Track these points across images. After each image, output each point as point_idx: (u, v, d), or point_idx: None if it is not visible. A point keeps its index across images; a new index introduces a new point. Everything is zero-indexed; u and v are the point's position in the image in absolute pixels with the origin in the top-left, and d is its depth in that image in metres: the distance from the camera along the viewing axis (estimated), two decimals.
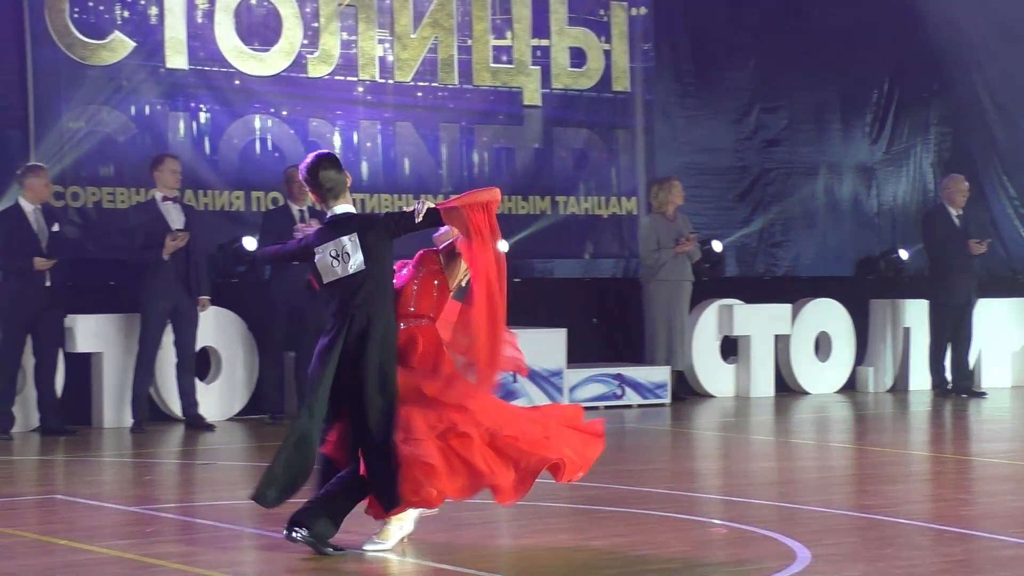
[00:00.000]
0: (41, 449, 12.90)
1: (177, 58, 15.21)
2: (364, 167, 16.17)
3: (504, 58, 16.91)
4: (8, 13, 14.52)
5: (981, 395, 16.94)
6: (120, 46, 14.95)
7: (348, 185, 8.35)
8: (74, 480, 11.37)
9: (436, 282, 8.43)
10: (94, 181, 14.82)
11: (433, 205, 8.14)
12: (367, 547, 8.13)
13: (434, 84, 16.53)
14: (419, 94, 16.45)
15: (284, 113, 15.79)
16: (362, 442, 8.11)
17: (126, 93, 14.98)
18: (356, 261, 8.11)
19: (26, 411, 13.70)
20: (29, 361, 13.58)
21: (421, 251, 8.53)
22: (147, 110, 15.13)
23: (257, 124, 15.67)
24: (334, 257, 8.14)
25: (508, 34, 16.93)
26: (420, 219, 8.09)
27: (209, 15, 15.37)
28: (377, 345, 8.11)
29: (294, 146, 15.76)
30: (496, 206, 8.25)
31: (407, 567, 7.86)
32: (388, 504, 8.06)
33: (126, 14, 14.98)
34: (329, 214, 8.33)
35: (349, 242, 8.12)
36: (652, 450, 13.46)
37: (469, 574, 7.59)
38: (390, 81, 16.32)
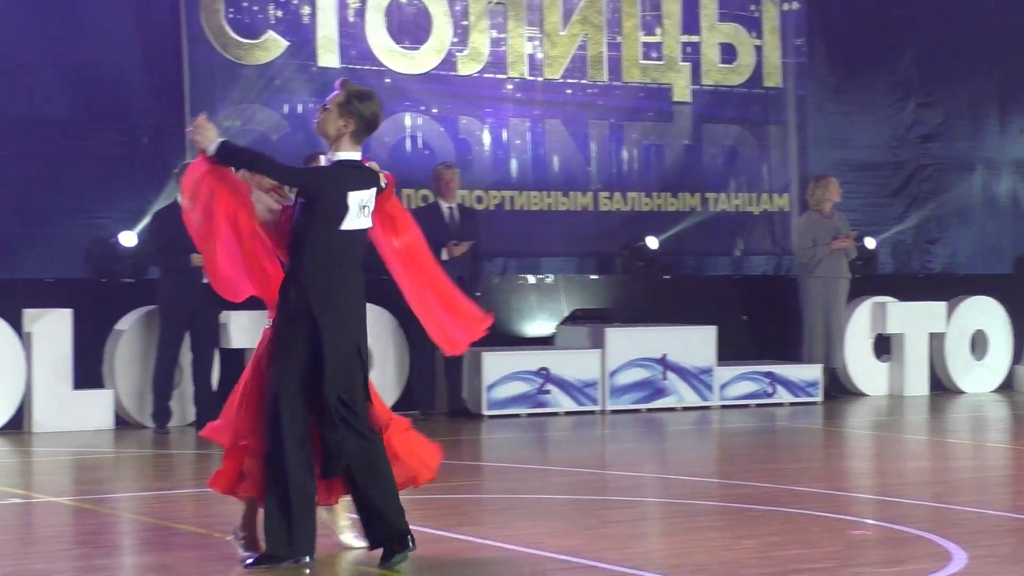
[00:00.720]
0: (198, 443, 13.07)
1: (329, 57, 15.37)
2: (513, 164, 16.23)
3: (654, 55, 16.87)
4: (166, 15, 14.77)
5: None
6: (273, 45, 15.15)
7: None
8: None
9: None
10: None
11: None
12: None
13: (583, 81, 16.54)
14: (568, 91, 16.47)
15: (434, 111, 15.90)
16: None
17: (279, 91, 15.17)
18: (370, 216, 7.70)
19: (183, 406, 13.92)
20: (186, 357, 13.78)
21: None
22: (299, 108, 15.30)
23: (407, 122, 15.79)
24: (362, 207, 7.60)
25: (658, 30, 16.90)
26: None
27: (360, 14, 15.52)
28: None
29: (444, 144, 15.87)
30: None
31: (557, 564, 7.87)
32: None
33: (279, 14, 15.16)
34: (346, 156, 7.61)
35: (371, 198, 7.65)
36: (804, 449, 13.36)
37: (620, 572, 7.59)
38: (539, 78, 16.35)
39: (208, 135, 7.59)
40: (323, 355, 7.55)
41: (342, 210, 7.51)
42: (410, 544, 7.62)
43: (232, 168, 7.70)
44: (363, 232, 7.70)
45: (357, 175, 7.58)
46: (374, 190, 7.63)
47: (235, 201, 7.72)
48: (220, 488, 7.82)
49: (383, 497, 7.59)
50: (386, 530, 7.58)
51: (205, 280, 13.41)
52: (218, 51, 14.91)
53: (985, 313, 17.14)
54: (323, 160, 7.84)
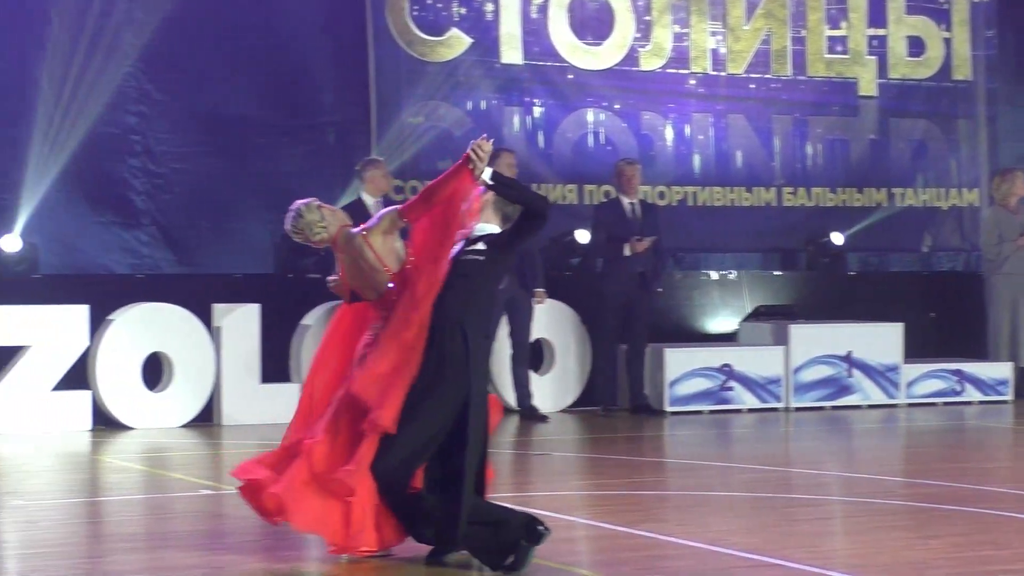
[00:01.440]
0: None
1: (512, 53, 15.44)
2: (696, 159, 16.18)
3: (839, 48, 16.71)
4: (351, 14, 14.95)
5: None
6: (457, 43, 15.25)
7: None
8: None
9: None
10: (432, 174, 14.86)
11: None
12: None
13: (767, 76, 16.44)
14: (752, 86, 16.38)
15: (616, 107, 15.89)
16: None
17: (463, 88, 15.28)
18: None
19: None
20: None
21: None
22: (483, 105, 15.40)
23: (590, 118, 15.81)
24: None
25: (843, 24, 16.73)
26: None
27: (543, 10, 15.56)
28: None
29: (626, 139, 15.86)
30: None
31: (740, 562, 7.82)
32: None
33: (463, 11, 15.26)
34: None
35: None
36: (993, 448, 13.13)
37: (804, 571, 7.52)
38: (722, 73, 16.28)
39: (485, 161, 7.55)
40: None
41: None
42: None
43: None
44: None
45: None
46: None
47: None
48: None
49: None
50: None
51: None
52: (403, 48, 15.05)
53: None
54: None
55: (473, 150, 7.41)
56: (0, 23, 14.07)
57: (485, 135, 7.62)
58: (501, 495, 10.06)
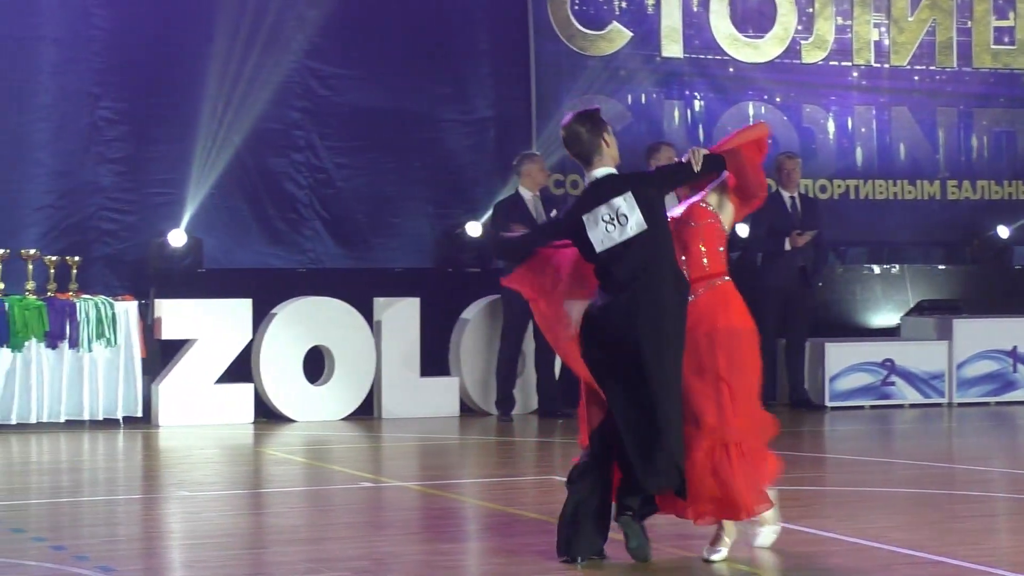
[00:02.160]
0: (539, 431, 13.23)
1: (673, 47, 15.38)
2: (859, 152, 16.01)
3: (1006, 39, 16.44)
4: (513, 8, 14.98)
5: None
6: (618, 36, 15.23)
7: (607, 147, 7.48)
8: (570, 462, 11.56)
9: (718, 234, 7.64)
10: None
11: (706, 151, 7.52)
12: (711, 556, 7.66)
13: (931, 67, 16.21)
14: (916, 78, 16.17)
15: (777, 100, 15.77)
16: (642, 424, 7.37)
17: (623, 82, 15.25)
18: (635, 221, 7.31)
19: (526, 394, 14.08)
20: (530, 346, 13.93)
21: (687, 205, 7.72)
22: (643, 98, 15.36)
23: (751, 111, 15.70)
24: (608, 221, 7.33)
25: (1011, 14, 16.46)
26: (699, 167, 7.46)
27: (705, 4, 15.49)
28: (671, 312, 7.34)
29: (788, 133, 15.74)
30: (767, 142, 7.68)
31: (903, 558, 7.71)
32: (655, 487, 7.36)
33: (624, 5, 15.23)
34: (588, 179, 7.53)
35: (624, 202, 7.33)
36: None
37: (968, 568, 7.40)
38: (886, 65, 16.09)
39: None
40: None
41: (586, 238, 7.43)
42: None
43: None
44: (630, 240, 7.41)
45: (598, 191, 7.42)
46: (628, 193, 7.38)
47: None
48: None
49: None
50: None
51: None
52: (563, 42, 15.06)
53: None
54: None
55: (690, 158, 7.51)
56: (166, 22, 14.29)
57: (694, 148, 7.62)
58: None
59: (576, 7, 15.10)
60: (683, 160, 7.60)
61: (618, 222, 7.31)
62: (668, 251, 7.39)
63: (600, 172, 7.46)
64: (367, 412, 13.85)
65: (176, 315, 13.36)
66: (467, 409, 14.07)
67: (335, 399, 13.76)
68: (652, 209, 7.34)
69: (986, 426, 13.82)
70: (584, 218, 7.37)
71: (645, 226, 7.31)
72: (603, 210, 7.33)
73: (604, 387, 7.45)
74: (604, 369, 7.44)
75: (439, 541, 8.27)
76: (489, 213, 14.38)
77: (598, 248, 7.34)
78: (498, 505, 9.34)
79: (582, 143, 7.47)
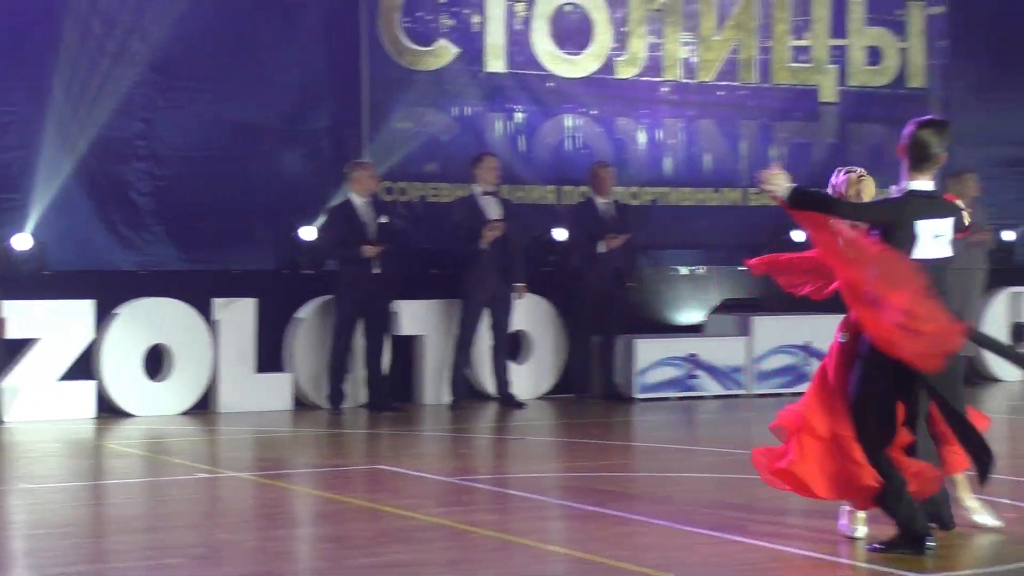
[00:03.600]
0: (368, 423, 13.21)
1: (496, 63, 15.44)
2: (668, 162, 16.19)
3: (802, 57, 16.72)
4: (346, 25, 14.92)
5: None
6: (445, 52, 15.24)
7: (936, 163, 7.45)
8: (398, 452, 11.61)
9: None
10: (420, 177, 15.14)
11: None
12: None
13: (735, 83, 16.44)
14: (720, 93, 16.39)
15: (593, 113, 15.89)
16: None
17: (449, 96, 15.26)
18: (948, 247, 7.41)
19: (356, 389, 14.06)
20: (360, 343, 13.93)
21: None
22: (468, 111, 15.38)
23: (568, 123, 15.80)
24: (935, 236, 7.35)
25: (807, 35, 16.74)
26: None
27: (526, 22, 15.56)
28: None
29: (602, 143, 15.87)
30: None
31: (705, 539, 7.82)
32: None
33: (451, 23, 15.25)
34: (914, 184, 7.43)
35: (950, 227, 7.41)
36: None
37: (764, 547, 7.53)
38: (693, 81, 16.28)
39: (780, 182, 7.56)
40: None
41: (911, 239, 7.33)
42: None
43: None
44: (940, 260, 7.40)
45: (927, 204, 7.37)
46: (950, 220, 7.40)
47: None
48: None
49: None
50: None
51: (377, 271, 13.67)
52: (393, 58, 15.03)
53: None
54: (894, 191, 7.64)
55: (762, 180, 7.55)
56: (14, 30, 14.03)
57: (778, 162, 7.66)
58: (480, 476, 10.08)
59: (406, 25, 15.09)
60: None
61: (938, 241, 7.35)
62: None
63: (926, 185, 7.42)
64: (204, 407, 13.73)
65: (21, 316, 13.12)
66: (300, 403, 14.01)
67: (174, 395, 13.61)
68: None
69: None
70: (918, 223, 7.30)
71: (950, 253, 7.42)
72: (938, 224, 7.34)
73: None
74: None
75: (272, 528, 8.25)
76: (322, 218, 14.34)
77: (915, 255, 7.29)
78: (329, 493, 9.33)
79: (924, 150, 7.43)
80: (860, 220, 7.52)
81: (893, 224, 7.33)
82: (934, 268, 7.33)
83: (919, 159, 7.42)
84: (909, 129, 7.52)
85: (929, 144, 7.44)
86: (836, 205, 7.63)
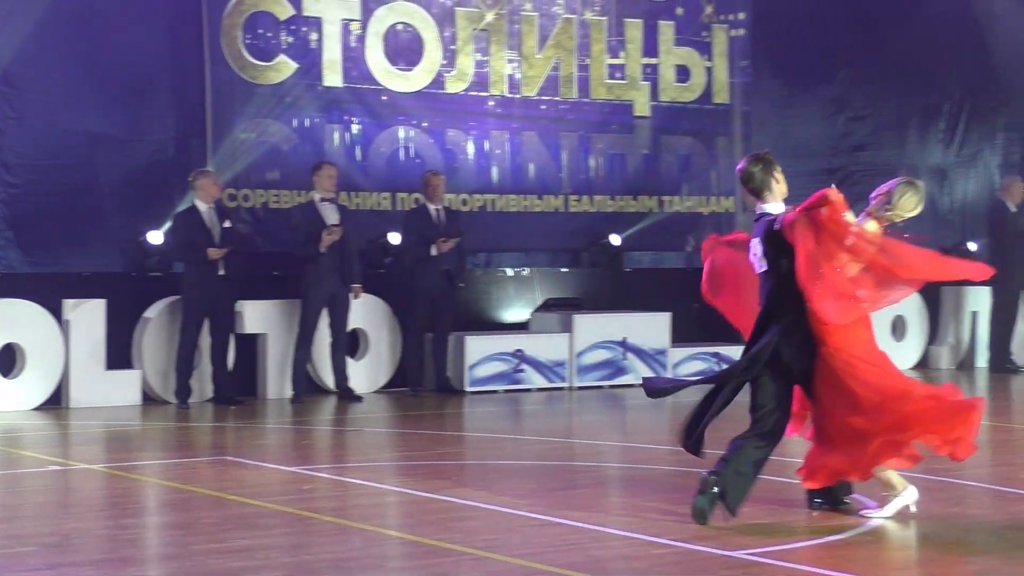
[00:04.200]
0: (214, 417, 13.06)
1: (333, 77, 15.33)
2: (494, 172, 16.22)
3: (618, 75, 16.86)
4: (190, 41, 14.72)
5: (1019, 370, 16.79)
6: (285, 67, 15.10)
7: (773, 186, 7.75)
8: (242, 444, 11.50)
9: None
10: (262, 184, 14.98)
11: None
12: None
13: (556, 98, 16.52)
14: (543, 107, 16.45)
15: (425, 125, 15.86)
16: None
17: (289, 108, 15.12)
18: (761, 264, 7.73)
19: (202, 384, 13.90)
20: (205, 341, 13.76)
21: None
22: (307, 123, 15.26)
23: (401, 134, 15.76)
24: (754, 254, 7.78)
25: (622, 54, 16.88)
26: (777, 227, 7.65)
27: (361, 39, 15.48)
28: (791, 339, 7.65)
29: (433, 153, 15.85)
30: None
31: (529, 521, 7.85)
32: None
33: (290, 39, 15.12)
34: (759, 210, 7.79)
35: (757, 245, 7.74)
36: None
37: (584, 528, 7.57)
38: (518, 96, 16.33)
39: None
40: None
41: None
42: None
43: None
44: (761, 275, 7.74)
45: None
46: (757, 239, 7.70)
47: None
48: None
49: None
50: None
51: (222, 273, 13.51)
52: (236, 72, 14.85)
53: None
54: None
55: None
56: None
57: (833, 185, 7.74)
58: (321, 465, 10.01)
59: (247, 41, 14.91)
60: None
61: (758, 257, 7.71)
62: (786, 288, 7.60)
63: (761, 208, 7.79)
64: (56, 402, 13.45)
65: None
66: (149, 399, 13.79)
67: (26, 391, 13.31)
68: (769, 255, 7.69)
69: (601, 406, 14.16)
70: (752, 241, 7.75)
71: (766, 268, 7.69)
72: (754, 243, 7.70)
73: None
74: None
75: (122, 517, 8.12)
76: (169, 223, 14.13)
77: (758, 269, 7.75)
78: (176, 483, 9.20)
79: (754, 182, 7.77)
80: None
81: None
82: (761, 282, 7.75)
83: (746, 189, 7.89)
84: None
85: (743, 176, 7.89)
86: None
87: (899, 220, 8.15)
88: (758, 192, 7.83)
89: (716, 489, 7.52)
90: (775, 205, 7.81)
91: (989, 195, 18.58)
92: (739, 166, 7.93)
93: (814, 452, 7.86)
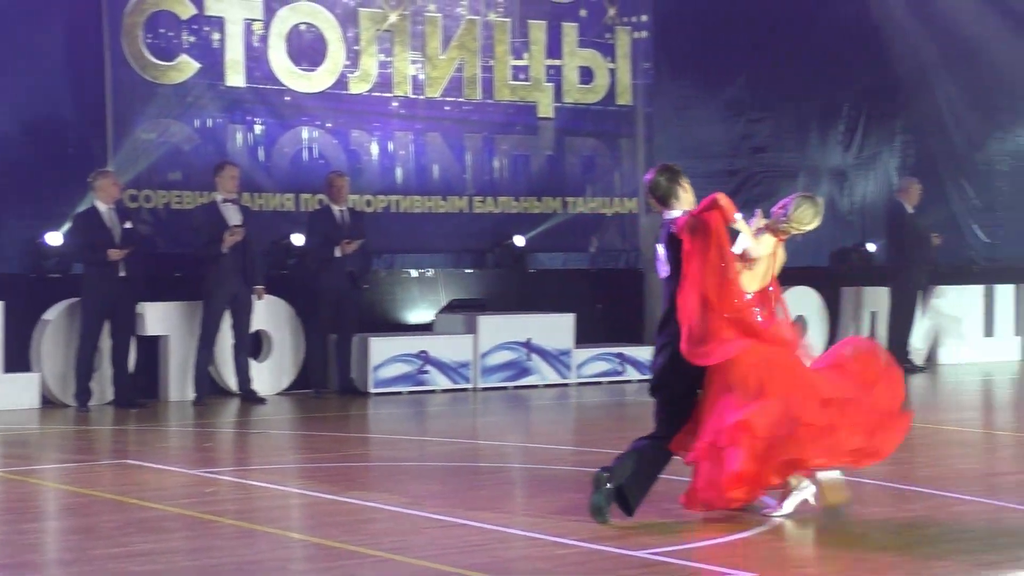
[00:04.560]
0: (115, 420, 12.93)
1: (236, 77, 15.24)
2: (399, 172, 16.19)
3: (522, 76, 16.90)
4: (91, 40, 14.56)
5: (921, 370, 16.99)
6: (186, 67, 14.98)
7: (680, 195, 7.91)
8: (144, 447, 11.40)
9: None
10: (164, 185, 14.86)
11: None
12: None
13: (460, 99, 16.53)
14: (447, 108, 16.45)
15: (328, 125, 15.80)
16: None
17: (191, 108, 15.01)
18: (665, 269, 7.86)
19: (103, 387, 13.75)
20: (106, 343, 13.62)
21: None
22: (209, 123, 15.15)
23: (305, 135, 15.69)
24: (658, 259, 7.90)
25: (525, 55, 16.92)
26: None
27: (264, 39, 15.40)
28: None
29: (337, 154, 15.80)
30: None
31: (432, 523, 7.83)
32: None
33: (192, 39, 15.00)
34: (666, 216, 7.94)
35: (659, 248, 7.89)
36: (649, 420, 13.39)
37: (487, 529, 7.58)
38: (422, 97, 16.32)
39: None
40: None
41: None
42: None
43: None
44: (665, 279, 7.86)
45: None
46: (661, 244, 7.86)
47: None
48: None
49: None
50: None
51: (123, 274, 13.36)
52: (137, 72, 14.71)
53: (805, 300, 17.34)
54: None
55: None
56: None
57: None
58: (224, 468, 9.94)
59: (148, 40, 14.77)
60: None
61: (661, 261, 7.87)
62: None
63: (668, 215, 7.91)
64: None
65: None
66: (48, 402, 13.60)
67: None
68: (672, 261, 7.85)
69: (505, 407, 14.18)
70: (656, 246, 7.90)
71: (668, 274, 7.82)
72: (657, 247, 7.86)
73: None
74: None
75: (21, 522, 8.01)
76: (68, 224, 13.96)
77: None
78: (76, 487, 9.09)
79: (660, 190, 7.95)
80: None
81: None
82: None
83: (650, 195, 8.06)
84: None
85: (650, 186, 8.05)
86: None
87: (796, 232, 8.24)
88: (664, 200, 7.99)
89: (609, 485, 7.57)
90: (680, 213, 7.90)
91: (888, 197, 18.85)
92: (647, 176, 8.11)
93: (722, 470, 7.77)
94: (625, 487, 7.62)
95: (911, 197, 17.08)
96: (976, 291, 18.43)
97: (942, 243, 17.18)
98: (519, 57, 16.87)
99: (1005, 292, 18.57)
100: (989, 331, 18.41)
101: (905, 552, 7.10)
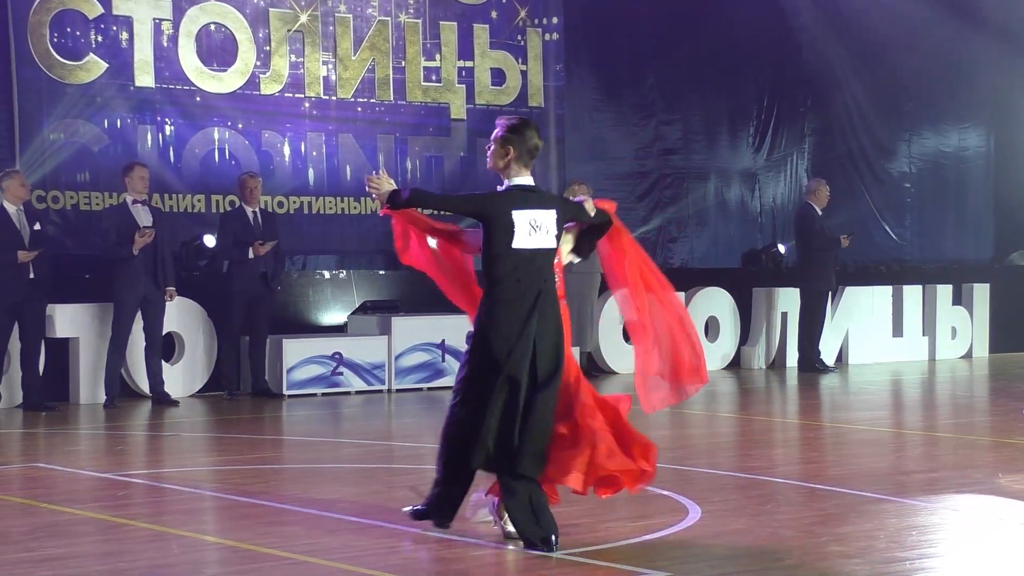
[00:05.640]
0: (24, 423, 12.77)
1: (145, 77, 15.11)
2: (311, 173, 16.14)
3: (434, 77, 16.89)
4: None
5: (831, 370, 17.17)
6: (94, 67, 14.84)
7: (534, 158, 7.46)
8: (54, 450, 11.27)
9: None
10: (72, 186, 14.70)
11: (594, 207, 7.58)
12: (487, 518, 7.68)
13: (372, 100, 16.50)
14: (359, 109, 16.42)
15: (240, 126, 15.72)
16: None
17: (100, 108, 14.87)
18: (551, 237, 7.32)
19: (11, 390, 13.57)
20: (15, 345, 13.45)
21: None
22: (118, 123, 15.01)
23: (216, 136, 15.59)
24: (533, 227, 7.27)
25: (437, 56, 16.92)
26: (592, 214, 7.55)
27: (173, 39, 15.28)
28: (556, 322, 7.45)
29: (248, 155, 15.72)
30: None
31: (347, 525, 7.81)
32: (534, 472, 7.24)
33: (100, 39, 14.86)
34: (514, 182, 7.35)
35: (550, 218, 7.30)
36: None
37: (402, 531, 7.56)
38: (333, 97, 16.27)
39: (383, 186, 7.50)
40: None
41: (510, 229, 7.23)
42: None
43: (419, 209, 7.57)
44: (542, 251, 7.31)
45: (528, 197, 7.30)
46: (552, 211, 7.31)
47: (435, 237, 7.73)
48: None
49: None
50: None
51: (32, 276, 13.20)
52: (44, 71, 14.55)
53: (717, 301, 17.48)
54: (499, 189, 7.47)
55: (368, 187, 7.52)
56: None
57: (380, 170, 7.55)
58: (135, 471, 9.84)
59: (55, 40, 14.61)
60: (587, 208, 7.55)
61: (539, 231, 7.24)
62: (553, 271, 7.44)
63: (526, 180, 7.35)
64: None
65: None
66: None
67: None
68: (559, 232, 7.37)
69: (420, 408, 14.16)
70: (513, 212, 7.20)
71: (554, 245, 7.34)
72: (533, 215, 7.22)
73: (485, 383, 7.35)
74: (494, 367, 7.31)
75: None
76: None
77: (513, 243, 7.22)
78: None
79: (536, 149, 7.38)
80: (464, 212, 7.56)
81: (491, 215, 7.29)
82: (533, 257, 7.32)
83: (529, 155, 7.40)
84: (509, 133, 7.41)
85: (534, 140, 7.43)
86: (440, 200, 7.78)
87: None
88: (528, 162, 7.47)
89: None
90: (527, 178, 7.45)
91: (797, 198, 19.05)
92: (514, 122, 7.55)
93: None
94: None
95: (820, 199, 17.26)
96: (885, 291, 18.66)
97: (851, 244, 17.37)
98: (431, 58, 16.87)
99: (913, 292, 18.83)
100: (898, 331, 18.66)
101: (817, 551, 7.17)
